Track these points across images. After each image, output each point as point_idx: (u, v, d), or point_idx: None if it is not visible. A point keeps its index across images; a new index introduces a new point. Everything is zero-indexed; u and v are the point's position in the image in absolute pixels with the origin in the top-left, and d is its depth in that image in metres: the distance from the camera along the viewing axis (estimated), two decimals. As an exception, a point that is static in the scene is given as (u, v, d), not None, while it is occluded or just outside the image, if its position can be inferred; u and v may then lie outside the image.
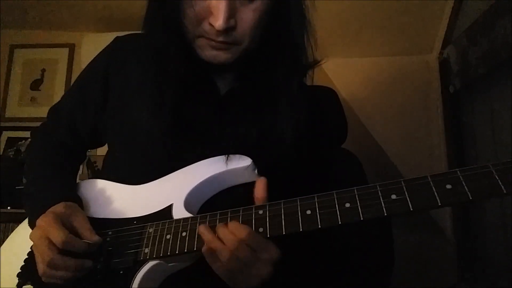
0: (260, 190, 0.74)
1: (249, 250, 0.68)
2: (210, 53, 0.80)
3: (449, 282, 2.12)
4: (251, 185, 0.80)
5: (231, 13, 0.75)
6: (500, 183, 0.59)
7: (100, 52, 0.97)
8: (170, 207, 0.80)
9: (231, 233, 0.69)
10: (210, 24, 0.75)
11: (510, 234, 1.69)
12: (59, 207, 0.78)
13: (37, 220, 0.77)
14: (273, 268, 0.70)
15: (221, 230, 0.70)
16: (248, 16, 0.77)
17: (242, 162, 0.82)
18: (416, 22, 2.21)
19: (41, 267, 0.74)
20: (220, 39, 0.77)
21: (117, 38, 0.96)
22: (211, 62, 0.81)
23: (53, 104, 1.03)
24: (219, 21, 0.73)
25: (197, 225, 0.73)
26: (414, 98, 2.30)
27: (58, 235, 0.72)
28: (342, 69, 2.35)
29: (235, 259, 0.68)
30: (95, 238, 0.76)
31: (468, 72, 1.97)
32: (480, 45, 1.82)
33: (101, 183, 0.91)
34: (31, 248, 0.82)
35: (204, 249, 0.70)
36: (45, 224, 0.74)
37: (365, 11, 2.16)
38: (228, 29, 0.76)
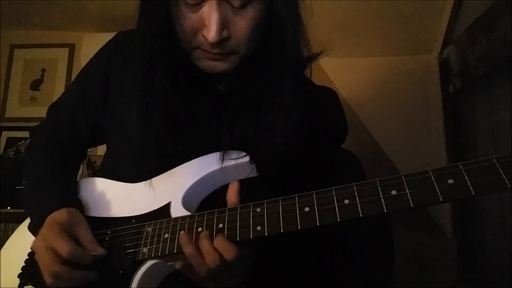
0: (231, 194, 0.74)
1: (227, 267, 0.68)
2: (207, 64, 0.80)
3: (449, 282, 2.12)
4: (250, 181, 0.79)
5: (224, 25, 0.74)
6: (504, 177, 0.56)
7: (101, 48, 0.96)
8: (168, 205, 0.80)
9: (216, 252, 0.68)
10: (204, 36, 0.75)
11: (510, 234, 1.68)
12: (62, 215, 0.77)
13: (41, 230, 0.76)
14: (243, 276, 0.72)
15: (206, 248, 0.68)
16: (241, 25, 0.75)
17: (240, 158, 0.81)
18: (416, 22, 2.21)
19: (47, 278, 0.74)
20: (216, 50, 0.76)
21: (119, 33, 0.96)
22: (210, 72, 0.81)
23: (52, 103, 1.03)
24: (211, 34, 0.72)
25: (195, 224, 0.73)
26: (414, 98, 2.30)
27: (64, 247, 0.72)
28: (342, 69, 2.35)
29: (210, 273, 0.69)
30: (100, 251, 0.75)
31: (468, 72, 1.97)
32: (480, 45, 1.82)
33: (99, 182, 0.91)
34: (31, 248, 0.82)
35: (178, 266, 0.70)
36: (50, 234, 0.74)
37: (365, 11, 2.16)
38: (222, 41, 0.75)
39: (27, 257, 0.83)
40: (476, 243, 2.03)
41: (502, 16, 1.63)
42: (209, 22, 0.73)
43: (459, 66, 2.08)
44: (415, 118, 2.28)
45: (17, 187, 2.30)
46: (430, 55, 2.34)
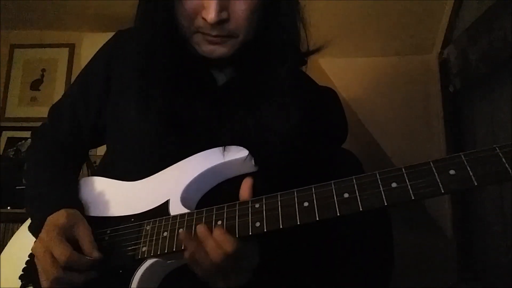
0: (245, 191, 0.74)
1: (231, 260, 0.68)
2: (207, 48, 0.80)
3: (449, 282, 2.12)
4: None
5: (223, 6, 0.74)
6: (507, 166, 0.55)
7: (101, 48, 0.96)
8: (167, 203, 0.79)
9: (216, 245, 0.67)
10: (203, 19, 0.75)
11: (510, 234, 1.68)
12: (61, 218, 0.77)
13: (40, 234, 0.76)
14: (253, 273, 0.72)
15: (207, 241, 0.68)
16: (240, 8, 0.76)
17: (239, 153, 0.81)
18: (416, 22, 2.21)
19: (44, 283, 0.73)
20: (215, 33, 0.77)
21: (118, 32, 0.96)
22: (209, 57, 0.81)
23: (53, 104, 1.03)
24: (210, 14, 0.73)
25: (194, 221, 0.73)
26: (414, 98, 2.30)
27: (61, 252, 0.71)
28: (342, 69, 2.35)
29: (216, 268, 0.68)
30: (95, 254, 0.74)
31: (468, 72, 1.97)
32: (480, 45, 1.82)
33: (99, 181, 0.90)
34: (32, 251, 0.82)
35: (186, 255, 0.70)
36: (48, 238, 0.73)
37: (365, 11, 2.16)
38: (221, 22, 0.75)
39: (28, 259, 0.83)
40: (476, 243, 2.03)
41: (502, 16, 1.63)
42: (208, 3, 0.74)
43: (459, 66, 2.08)
44: (415, 118, 2.28)
45: (17, 187, 2.30)
46: (430, 55, 2.34)
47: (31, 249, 0.76)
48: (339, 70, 2.34)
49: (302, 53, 0.88)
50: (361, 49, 2.38)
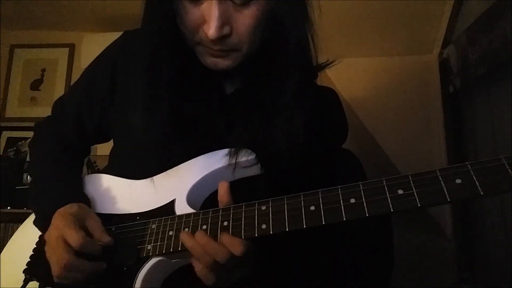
0: (223, 195, 0.73)
1: (237, 259, 0.67)
2: (210, 60, 0.79)
3: (449, 282, 2.12)
4: (254, 179, 0.79)
5: (224, 21, 0.73)
6: None
7: (107, 47, 0.96)
8: (172, 202, 0.80)
9: (224, 248, 0.67)
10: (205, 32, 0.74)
11: (510, 234, 1.69)
12: (73, 208, 0.78)
13: (54, 220, 0.77)
14: (252, 262, 0.71)
15: (212, 246, 0.68)
16: (243, 22, 0.74)
17: (245, 155, 0.81)
18: (416, 22, 2.22)
19: (56, 268, 0.74)
20: (217, 47, 0.76)
21: (126, 32, 0.95)
22: (213, 69, 0.80)
23: (58, 98, 1.03)
24: (211, 30, 0.72)
25: (199, 221, 0.73)
26: (414, 98, 2.30)
27: (75, 237, 0.72)
28: (342, 69, 2.34)
29: (219, 267, 0.68)
30: (107, 239, 0.76)
31: (468, 72, 1.97)
32: (480, 45, 1.82)
33: (105, 178, 0.91)
34: (36, 244, 0.83)
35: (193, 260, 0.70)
36: (62, 225, 0.74)
37: (366, 11, 2.16)
38: (223, 37, 0.74)
39: (32, 253, 0.83)
40: (476, 243, 2.04)
41: (502, 16, 1.63)
42: (209, 18, 0.72)
43: (459, 66, 2.08)
44: (415, 118, 2.29)
45: (17, 187, 2.30)
46: (430, 55, 2.35)
47: (45, 237, 0.77)
48: (339, 70, 2.33)
49: (313, 67, 0.87)
50: (361, 49, 2.39)
